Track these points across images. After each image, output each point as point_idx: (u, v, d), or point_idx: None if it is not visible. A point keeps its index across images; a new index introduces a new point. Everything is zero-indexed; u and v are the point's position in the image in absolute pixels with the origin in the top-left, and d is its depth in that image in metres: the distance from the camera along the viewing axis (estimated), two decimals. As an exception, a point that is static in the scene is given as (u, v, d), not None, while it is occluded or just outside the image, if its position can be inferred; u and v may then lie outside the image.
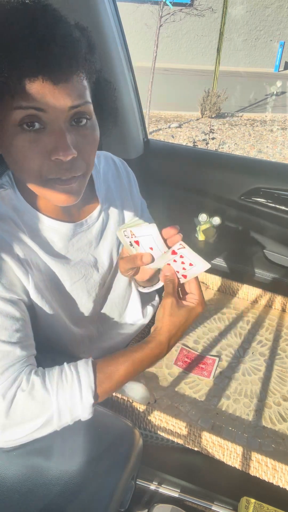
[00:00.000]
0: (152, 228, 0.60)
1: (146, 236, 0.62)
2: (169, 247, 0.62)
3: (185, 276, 0.65)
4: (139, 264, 0.64)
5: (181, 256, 0.62)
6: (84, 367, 0.60)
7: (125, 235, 0.63)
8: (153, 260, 0.64)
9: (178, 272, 0.65)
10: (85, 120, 0.58)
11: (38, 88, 0.52)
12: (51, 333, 0.73)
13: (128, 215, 0.84)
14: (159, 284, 0.86)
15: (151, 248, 0.63)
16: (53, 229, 0.68)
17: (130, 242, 0.64)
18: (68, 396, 0.58)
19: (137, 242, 0.63)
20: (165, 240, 0.62)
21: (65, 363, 0.61)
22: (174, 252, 0.62)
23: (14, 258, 0.61)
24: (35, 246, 0.65)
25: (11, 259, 0.60)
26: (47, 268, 0.67)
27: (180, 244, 0.61)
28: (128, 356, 0.62)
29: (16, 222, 0.64)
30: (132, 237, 0.62)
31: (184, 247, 0.61)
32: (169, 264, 0.64)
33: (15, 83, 0.50)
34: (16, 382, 0.57)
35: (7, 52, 0.49)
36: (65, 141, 0.54)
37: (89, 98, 0.58)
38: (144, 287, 0.87)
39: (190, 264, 0.62)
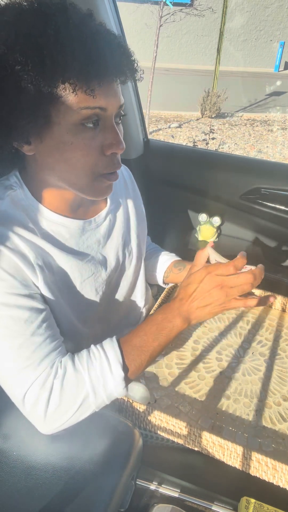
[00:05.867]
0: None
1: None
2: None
3: None
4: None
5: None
6: (109, 343, 0.64)
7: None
8: None
9: None
10: (120, 118, 0.63)
11: (105, 88, 0.56)
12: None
13: (133, 218, 0.85)
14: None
15: None
16: (63, 226, 0.69)
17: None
18: (99, 372, 0.61)
19: None
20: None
21: (91, 345, 0.65)
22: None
23: (23, 259, 0.61)
24: (47, 244, 0.65)
25: (20, 260, 0.61)
26: (59, 266, 0.68)
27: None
28: (151, 323, 0.66)
29: (26, 223, 0.64)
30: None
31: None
32: None
33: (90, 86, 0.54)
34: (53, 371, 0.60)
35: (82, 56, 0.52)
36: (119, 136, 0.60)
37: None
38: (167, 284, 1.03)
39: None
